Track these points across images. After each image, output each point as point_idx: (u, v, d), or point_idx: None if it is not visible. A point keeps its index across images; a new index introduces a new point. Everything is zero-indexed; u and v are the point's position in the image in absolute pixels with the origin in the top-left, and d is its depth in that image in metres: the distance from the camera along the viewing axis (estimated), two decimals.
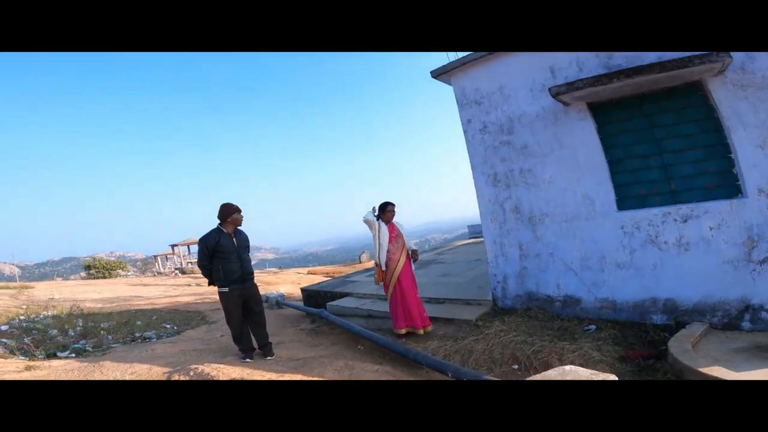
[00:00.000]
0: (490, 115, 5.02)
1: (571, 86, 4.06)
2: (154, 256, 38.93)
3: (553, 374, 2.19)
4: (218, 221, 4.11)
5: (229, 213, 4.07)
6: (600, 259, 4.37)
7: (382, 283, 4.73)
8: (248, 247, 4.34)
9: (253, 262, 4.48)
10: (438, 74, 5.39)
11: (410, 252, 4.70)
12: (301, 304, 7.43)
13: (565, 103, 4.43)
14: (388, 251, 4.57)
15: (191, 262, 30.78)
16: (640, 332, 3.91)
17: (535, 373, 3.43)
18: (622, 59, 4.23)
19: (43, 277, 57.53)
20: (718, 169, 3.96)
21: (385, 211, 4.66)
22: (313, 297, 7.33)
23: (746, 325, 3.69)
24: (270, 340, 4.42)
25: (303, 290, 7.82)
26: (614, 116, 4.40)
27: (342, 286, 7.40)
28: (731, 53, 3.58)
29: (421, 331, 4.56)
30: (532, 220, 4.76)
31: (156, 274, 31.68)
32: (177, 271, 28.04)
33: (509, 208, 4.92)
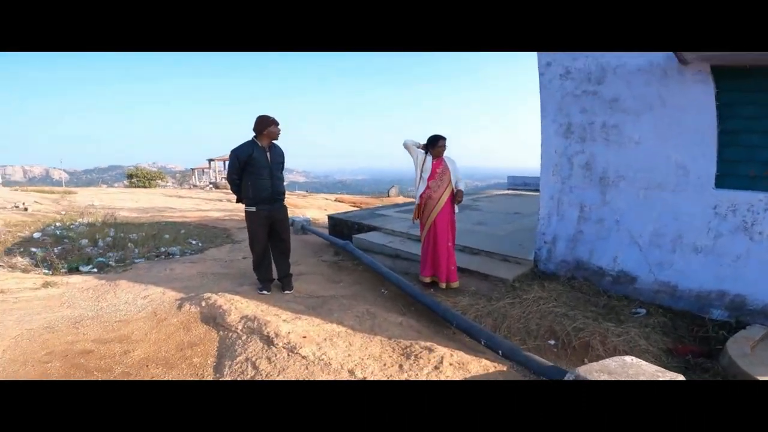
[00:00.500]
0: (578, 61, 4.25)
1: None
2: (192, 170, 39.83)
3: (612, 365, 1.98)
4: (253, 134, 3.75)
5: (265, 125, 3.70)
6: (676, 237, 3.85)
7: (418, 221, 4.37)
8: (282, 164, 3.94)
9: (285, 183, 4.19)
10: None
11: (455, 191, 4.22)
12: (326, 232, 7.22)
13: (684, 62, 3.63)
14: (428, 187, 4.16)
15: (225, 178, 31.34)
16: (692, 325, 3.54)
17: (572, 353, 3.16)
18: None
19: (89, 184, 60.66)
20: None
21: (436, 145, 4.16)
22: (339, 226, 7.06)
23: None
24: (291, 271, 4.20)
25: (330, 218, 7.52)
26: (741, 85, 3.60)
27: (370, 218, 7.07)
28: None
29: (443, 285, 4.22)
30: (604, 180, 4.19)
31: (192, 186, 32.54)
32: (211, 186, 28.59)
33: (579, 163, 4.32)
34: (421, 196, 4.20)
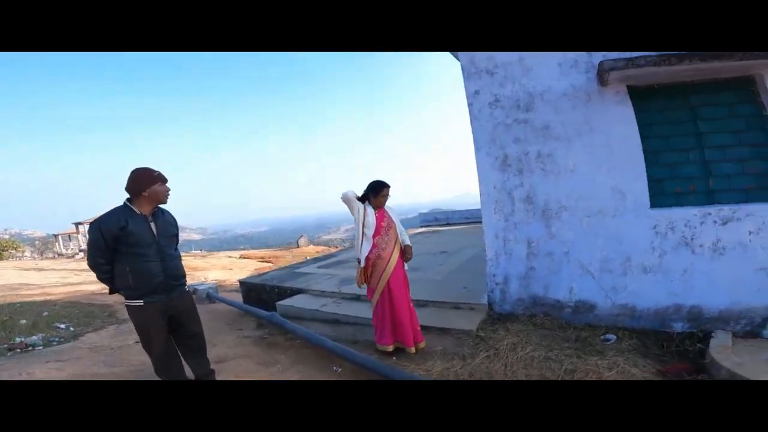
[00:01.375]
0: (505, 87, 4.16)
1: (631, 63, 3.29)
2: (55, 236, 33.43)
3: None
4: (127, 196, 2.60)
5: (146, 183, 2.55)
6: (624, 261, 3.78)
7: (365, 286, 3.67)
8: (176, 236, 2.84)
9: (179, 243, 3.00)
10: None
11: (403, 248, 3.66)
12: (239, 299, 6.04)
13: (604, 83, 3.69)
14: (374, 246, 3.51)
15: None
16: (660, 341, 3.52)
17: None
18: None
19: None
20: (759, 170, 3.58)
21: (379, 194, 3.56)
22: (256, 292, 5.96)
23: (767, 333, 3.42)
24: (211, 365, 3.04)
25: (242, 283, 6.35)
26: (654, 104, 3.83)
27: (291, 279, 6.13)
28: None
29: (413, 349, 3.60)
30: (547, 213, 4.01)
31: (56, 256, 27.08)
32: (81, 253, 23.97)
33: (519, 197, 4.11)
34: (367, 258, 3.52)
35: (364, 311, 4.49)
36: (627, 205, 3.75)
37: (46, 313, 6.30)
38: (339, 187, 3.80)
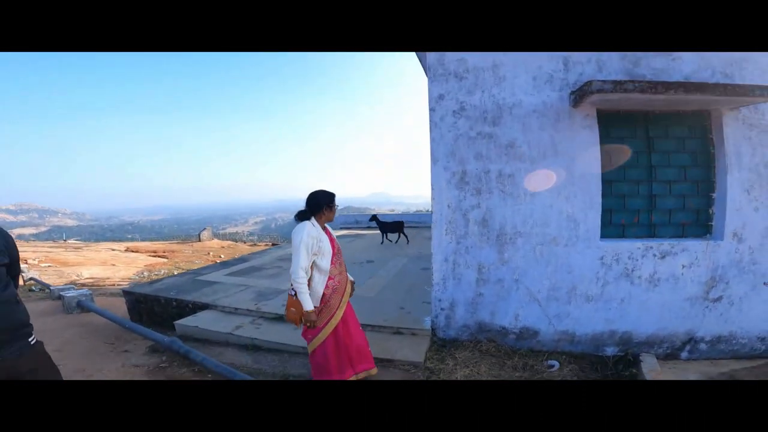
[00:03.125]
0: (473, 95, 3.64)
1: (619, 86, 2.98)
2: None
3: None
4: None
5: None
6: (570, 290, 3.74)
7: (300, 327, 2.94)
8: (11, 265, 1.82)
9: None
10: None
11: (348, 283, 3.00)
12: (122, 315, 4.90)
13: (576, 104, 3.38)
14: (331, 278, 2.76)
15: None
16: (595, 365, 3.67)
17: None
18: (647, 70, 3.49)
19: None
20: (696, 206, 3.72)
21: (332, 207, 2.80)
22: (146, 304, 4.82)
23: (684, 355, 3.78)
24: None
25: (127, 293, 5.10)
26: (616, 132, 3.67)
27: (194, 290, 5.09)
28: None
29: (375, 370, 3.08)
30: (502, 238, 3.74)
31: None
32: None
33: (475, 219, 3.75)
34: (323, 294, 2.74)
35: (292, 336, 3.88)
36: (579, 234, 3.64)
37: None
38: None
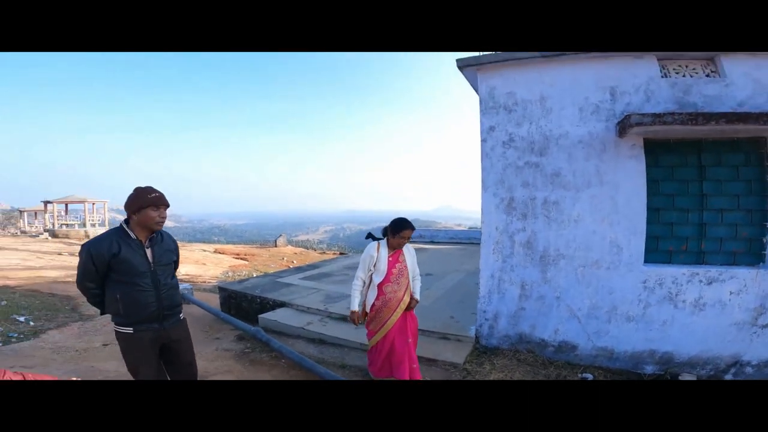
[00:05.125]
0: (522, 127, 3.91)
1: (658, 119, 3.12)
2: (20, 211, 29.88)
3: None
4: (125, 215, 2.34)
5: (137, 204, 2.26)
6: (610, 309, 3.94)
7: (359, 326, 3.52)
8: (176, 263, 2.61)
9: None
10: (465, 65, 4.11)
11: (412, 296, 3.41)
12: (215, 301, 5.81)
13: (622, 134, 3.52)
14: (382, 294, 3.24)
15: (66, 224, 24.05)
16: None
17: None
18: (699, 97, 3.51)
19: None
20: (750, 235, 3.72)
21: (397, 234, 3.20)
22: (236, 299, 5.75)
23: (728, 377, 3.82)
24: None
25: (221, 289, 6.10)
26: (666, 160, 3.75)
27: (274, 290, 5.92)
28: None
29: None
30: (545, 259, 4.02)
31: (19, 233, 24.36)
32: (47, 234, 21.76)
33: (520, 241, 4.06)
34: (372, 306, 3.28)
35: (352, 334, 4.47)
36: (622, 259, 3.82)
37: (4, 302, 5.78)
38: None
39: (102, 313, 2.44)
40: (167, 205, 2.34)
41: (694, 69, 3.79)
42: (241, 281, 6.86)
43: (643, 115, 3.24)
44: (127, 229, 2.30)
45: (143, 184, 2.35)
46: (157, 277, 2.35)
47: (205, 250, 16.67)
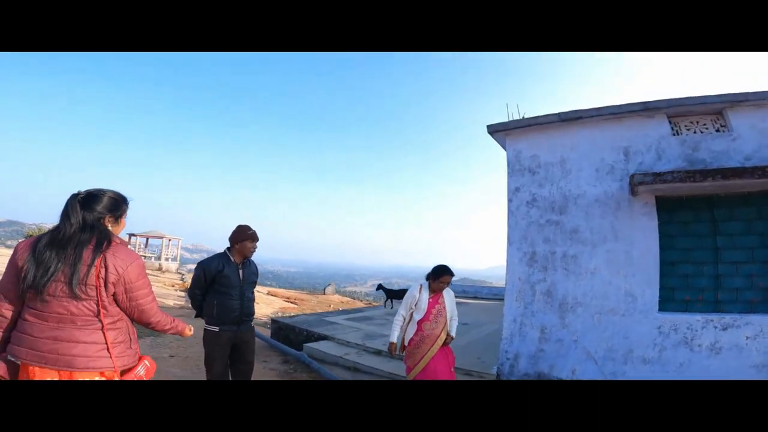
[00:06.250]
0: (544, 188, 4.24)
1: (658, 178, 3.41)
2: None
3: None
4: (228, 245, 3.33)
5: (239, 238, 3.24)
6: (627, 352, 4.21)
7: (403, 357, 3.74)
8: (255, 282, 3.49)
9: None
10: (494, 131, 4.57)
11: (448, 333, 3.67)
12: (268, 335, 6.49)
13: (634, 193, 3.76)
14: (420, 330, 3.54)
15: (144, 256, 26.15)
16: None
17: None
18: (707, 153, 3.70)
19: None
20: (765, 285, 3.87)
21: (438, 279, 3.52)
22: (285, 331, 6.44)
23: None
24: None
25: (274, 321, 6.91)
26: (679, 215, 3.97)
27: (319, 326, 6.62)
28: None
29: None
30: (563, 306, 4.34)
31: None
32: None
33: (540, 290, 4.40)
34: (411, 340, 3.56)
35: (383, 364, 4.96)
36: (637, 307, 4.09)
37: None
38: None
39: (197, 315, 3.35)
40: (258, 239, 3.32)
41: (704, 125, 3.96)
42: (291, 316, 7.61)
43: (644, 174, 3.49)
44: (229, 254, 3.25)
45: (243, 222, 3.42)
46: (243, 290, 3.25)
47: (258, 291, 18.03)
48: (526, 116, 4.54)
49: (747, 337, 3.85)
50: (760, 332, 3.82)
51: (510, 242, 4.42)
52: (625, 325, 4.16)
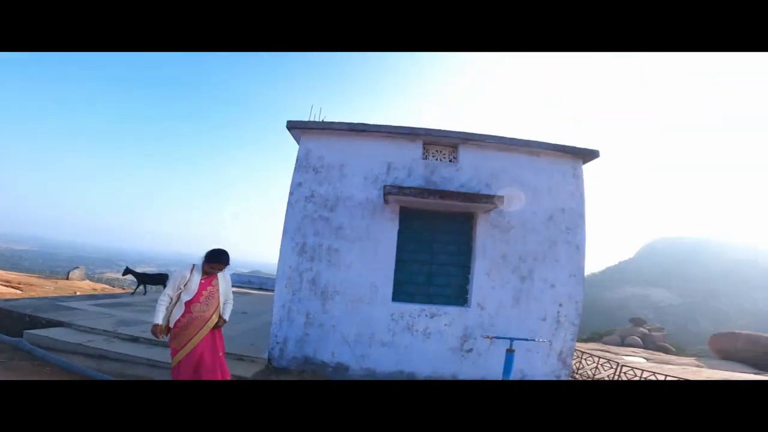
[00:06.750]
0: (322, 186, 5.05)
1: (401, 191, 4.77)
2: None
3: None
4: None
5: None
6: (370, 336, 5.15)
7: (164, 338, 3.54)
8: None
9: None
10: (293, 127, 5.15)
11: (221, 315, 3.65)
12: None
13: (386, 201, 4.96)
14: (188, 312, 3.42)
15: None
16: None
17: None
18: (439, 177, 5.26)
19: None
20: (459, 283, 5.47)
21: (209, 265, 3.44)
22: None
23: None
24: None
25: None
26: (413, 224, 5.32)
27: (51, 311, 5.46)
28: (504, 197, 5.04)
29: None
30: (325, 294, 5.06)
31: None
32: None
33: (307, 279, 5.05)
34: (177, 322, 3.42)
35: (140, 351, 4.55)
36: (378, 297, 5.13)
37: None
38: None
39: None
40: None
41: (444, 154, 5.57)
42: (7, 299, 6.00)
43: (393, 186, 4.80)
44: None
45: None
46: None
47: None
48: (325, 119, 5.40)
49: (445, 324, 5.23)
50: (452, 320, 5.24)
51: (285, 232, 5.00)
52: (370, 313, 5.12)
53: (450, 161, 5.58)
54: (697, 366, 10.13)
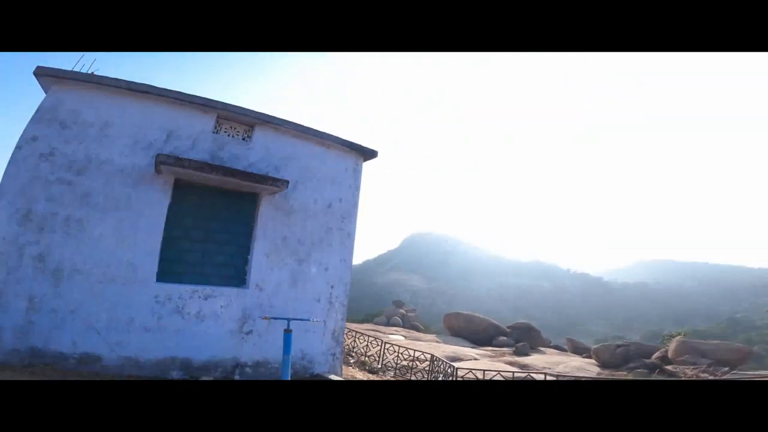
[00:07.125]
0: (70, 145, 4.13)
1: (179, 162, 4.27)
2: None
3: None
4: None
5: None
6: (129, 321, 4.46)
7: None
8: None
9: None
10: (44, 74, 4.14)
11: None
12: None
13: (158, 171, 4.40)
14: None
15: None
16: None
17: None
18: (227, 153, 4.97)
19: None
20: (237, 264, 5.33)
21: None
22: None
23: (238, 377, 5.02)
24: None
25: None
26: (190, 198, 4.89)
27: None
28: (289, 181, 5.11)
29: None
30: (58, 273, 4.14)
31: None
32: None
33: (31, 254, 4.03)
34: None
35: None
36: (137, 277, 4.51)
37: None
38: None
39: None
40: None
41: (237, 131, 5.30)
42: None
43: (168, 156, 4.32)
44: None
45: None
46: None
47: None
48: (96, 73, 4.45)
49: (221, 306, 4.99)
50: (230, 302, 5.05)
51: (1, 195, 3.86)
52: (126, 295, 4.44)
53: (243, 140, 5.42)
54: (437, 342, 12.93)
